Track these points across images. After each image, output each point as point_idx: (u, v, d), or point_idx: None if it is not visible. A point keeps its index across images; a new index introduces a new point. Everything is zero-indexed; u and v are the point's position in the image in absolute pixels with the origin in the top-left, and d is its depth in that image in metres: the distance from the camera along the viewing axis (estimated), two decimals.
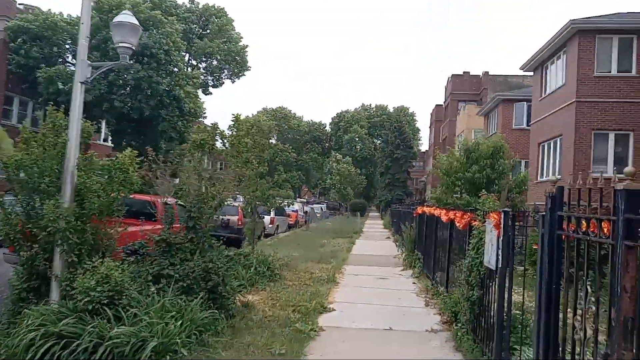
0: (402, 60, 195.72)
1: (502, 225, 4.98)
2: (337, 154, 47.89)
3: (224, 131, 8.16)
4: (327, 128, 77.40)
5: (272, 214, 24.57)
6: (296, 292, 9.36)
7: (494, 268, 5.18)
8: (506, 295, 4.94)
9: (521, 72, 25.46)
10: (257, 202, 11.68)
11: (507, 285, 4.95)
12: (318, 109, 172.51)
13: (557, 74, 19.59)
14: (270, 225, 24.25)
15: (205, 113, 29.80)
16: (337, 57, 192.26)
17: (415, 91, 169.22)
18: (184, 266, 6.67)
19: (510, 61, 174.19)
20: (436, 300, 8.98)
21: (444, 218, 8.75)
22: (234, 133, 8.26)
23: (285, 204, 11.97)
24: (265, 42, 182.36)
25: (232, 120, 7.98)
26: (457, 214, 7.63)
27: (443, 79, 62.76)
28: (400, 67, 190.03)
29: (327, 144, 76.31)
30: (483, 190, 13.93)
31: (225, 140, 8.35)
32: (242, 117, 10.62)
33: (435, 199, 13.70)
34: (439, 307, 8.22)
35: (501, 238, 4.99)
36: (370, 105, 77.34)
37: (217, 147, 7.69)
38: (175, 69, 26.03)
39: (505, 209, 5.38)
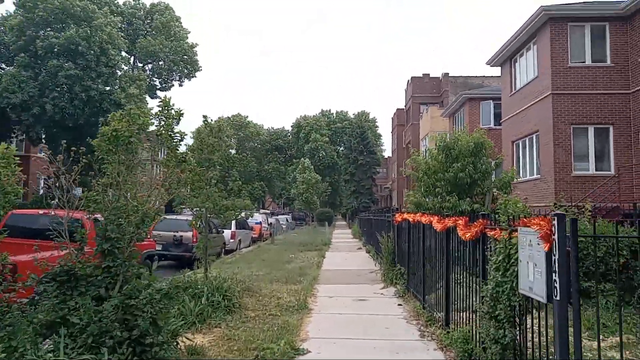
0: (360, 61, 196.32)
1: (556, 237, 3.39)
2: (304, 160, 46.12)
3: (149, 119, 6.29)
4: (289, 135, 75.60)
5: (233, 227, 22.65)
6: (260, 327, 7.56)
7: (542, 299, 3.58)
8: (572, 341, 3.34)
9: (481, 73, 24.81)
10: (209, 215, 9.82)
11: (570, 324, 3.35)
12: (277, 114, 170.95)
13: (527, 67, 18.64)
14: (231, 240, 22.28)
15: (152, 119, 27.52)
16: (296, 55, 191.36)
17: (375, 96, 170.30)
18: (93, 309, 4.79)
19: (469, 61, 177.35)
20: (433, 330, 7.36)
21: (437, 226, 7.16)
22: (164, 122, 6.38)
23: (244, 216, 10.07)
24: (219, 38, 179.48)
25: (159, 106, 6.15)
26: (458, 221, 6.06)
27: (402, 82, 62.22)
28: (359, 69, 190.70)
29: (289, 153, 74.48)
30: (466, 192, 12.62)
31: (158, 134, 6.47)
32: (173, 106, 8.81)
33: (414, 203, 12.19)
34: (441, 340, 6.59)
35: (556, 256, 3.39)
36: (329, 111, 76.19)
37: (139, 141, 5.81)
38: (116, 70, 23.77)
39: (489, 212, 3.80)
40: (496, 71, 23.12)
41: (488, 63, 21.60)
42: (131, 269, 5.36)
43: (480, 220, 5.24)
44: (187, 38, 33.31)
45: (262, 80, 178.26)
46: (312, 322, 8.02)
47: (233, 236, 22.50)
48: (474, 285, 5.66)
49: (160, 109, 6.23)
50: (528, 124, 18.08)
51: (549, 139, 16.23)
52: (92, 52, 22.80)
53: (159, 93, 30.74)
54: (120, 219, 5.34)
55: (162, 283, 6.33)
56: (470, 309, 5.90)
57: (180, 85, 31.08)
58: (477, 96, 26.73)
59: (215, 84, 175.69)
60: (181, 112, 6.52)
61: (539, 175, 16.99)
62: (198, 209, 9.69)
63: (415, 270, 9.79)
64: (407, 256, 10.59)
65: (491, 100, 25.81)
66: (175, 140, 6.47)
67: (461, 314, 6.43)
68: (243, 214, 10.01)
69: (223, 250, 20.23)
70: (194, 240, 16.57)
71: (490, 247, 4.92)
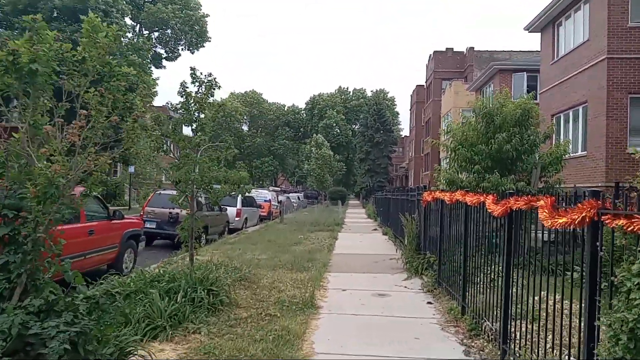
0: (381, 36, 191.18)
1: None
2: (317, 136, 44.06)
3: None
4: (302, 113, 73.28)
5: (239, 204, 20.91)
6: (251, 333, 5.75)
7: None
8: None
9: (508, 47, 22.26)
10: (197, 191, 7.95)
11: None
12: (292, 92, 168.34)
13: (576, 29, 16.27)
14: (236, 219, 20.55)
15: (155, 89, 25.65)
16: (312, 34, 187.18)
17: (394, 75, 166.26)
18: None
19: (495, 36, 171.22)
20: (481, 344, 5.48)
21: (493, 208, 5.22)
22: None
23: (239, 192, 8.16)
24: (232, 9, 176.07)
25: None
26: (537, 202, 4.11)
27: (423, 58, 59.45)
28: (379, 44, 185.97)
29: (301, 130, 72.31)
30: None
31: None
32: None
33: (447, 180, 10.17)
34: None
35: None
36: (347, 88, 73.49)
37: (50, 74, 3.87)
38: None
39: None
40: (526, 45, 20.79)
41: (526, 28, 19.21)
42: (38, 272, 3.48)
43: (590, 201, 3.27)
44: (201, 7, 31.24)
45: (275, 62, 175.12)
46: (319, 328, 6.17)
47: (239, 214, 20.77)
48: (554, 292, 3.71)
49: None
50: (574, 95, 15.81)
51: (601, 111, 14.01)
52: (98, 12, 20.92)
53: (165, 63, 28.90)
54: (21, 192, 3.47)
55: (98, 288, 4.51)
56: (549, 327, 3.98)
57: (192, 52, 29.09)
58: (509, 67, 24.33)
59: (227, 62, 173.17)
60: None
61: (584, 152, 14.81)
62: (182, 182, 7.82)
63: (450, 261, 7.87)
64: (438, 243, 8.66)
65: (525, 73, 23.42)
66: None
67: (527, 325, 4.55)
68: (239, 190, 8.11)
69: (226, 229, 18.52)
70: None
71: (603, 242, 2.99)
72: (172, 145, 8.39)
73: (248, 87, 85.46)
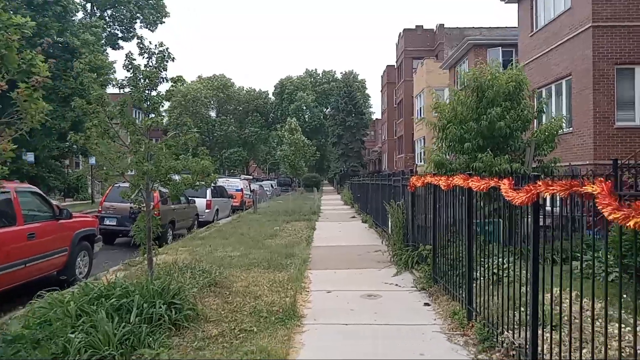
0: (349, 15, 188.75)
1: None
2: (291, 120, 42.60)
3: None
4: (271, 97, 71.46)
5: (209, 195, 19.69)
6: (223, 357, 4.71)
7: None
8: None
9: (478, 24, 21.43)
10: (153, 183, 6.77)
11: None
12: (259, 77, 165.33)
13: None
14: (206, 211, 19.38)
15: (113, 71, 23.82)
16: (277, 15, 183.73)
17: (364, 56, 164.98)
18: None
19: (467, 10, 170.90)
20: (499, 358, 4.59)
21: (513, 197, 4.29)
22: None
23: (201, 184, 6.98)
24: None
25: None
26: (585, 188, 3.18)
27: (393, 38, 58.54)
28: (347, 24, 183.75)
29: (271, 115, 70.63)
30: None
31: None
32: None
33: (435, 162, 9.23)
34: None
35: None
36: (315, 70, 72.01)
37: None
38: (69, 14, 20.14)
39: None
40: (497, 21, 19.93)
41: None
42: None
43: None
44: None
45: (240, 41, 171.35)
46: (305, 346, 5.17)
47: (209, 206, 19.58)
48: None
49: None
50: (556, 68, 15.11)
51: (587, 84, 13.31)
52: None
53: (121, 43, 26.95)
54: None
55: None
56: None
57: (151, 31, 27.16)
58: (483, 42, 23.55)
59: (189, 42, 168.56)
60: None
61: (570, 129, 14.14)
62: (135, 173, 6.64)
63: (448, 254, 6.97)
64: (432, 233, 7.74)
65: (500, 48, 22.69)
66: None
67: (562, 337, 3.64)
68: (203, 182, 6.96)
69: (196, 222, 17.31)
70: (156, 213, 13.56)
71: None
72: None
73: (215, 72, 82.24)
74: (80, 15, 23.68)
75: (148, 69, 6.66)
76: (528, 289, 4.26)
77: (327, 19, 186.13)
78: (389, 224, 11.83)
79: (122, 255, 11.23)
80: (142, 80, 6.65)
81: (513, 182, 4.49)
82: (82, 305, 5.35)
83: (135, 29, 26.41)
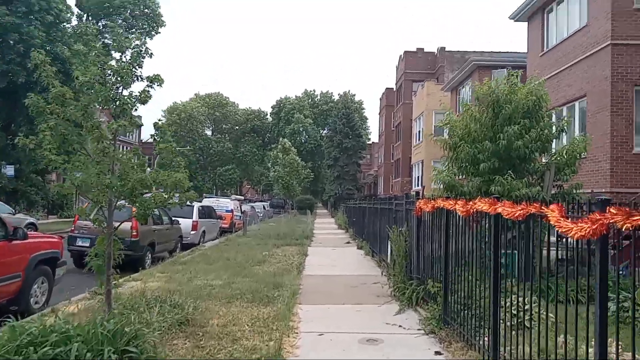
0: (347, 41, 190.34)
1: None
2: (284, 140, 41.65)
3: None
4: (268, 117, 70.77)
5: (195, 216, 18.50)
6: None
7: None
8: None
9: (479, 48, 20.73)
10: (118, 200, 5.63)
11: None
12: (257, 97, 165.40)
13: (570, 15, 14.74)
14: (192, 233, 18.15)
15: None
16: (277, 35, 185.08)
17: (362, 79, 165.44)
18: None
19: (467, 36, 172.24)
20: None
21: (568, 229, 3.21)
22: None
23: (176, 201, 5.83)
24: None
25: None
26: None
27: (392, 61, 58.25)
28: (345, 51, 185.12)
29: (267, 136, 69.80)
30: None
31: None
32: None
33: (446, 184, 8.14)
34: None
35: None
36: (313, 91, 71.47)
37: None
38: (61, 23, 19.28)
39: None
40: (498, 44, 19.22)
41: (512, 17, 17.68)
42: None
43: None
44: None
45: (238, 60, 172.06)
46: None
47: (195, 227, 18.36)
48: None
49: None
50: (569, 89, 14.22)
51: (603, 106, 12.40)
52: None
53: (115, 55, 25.89)
54: None
55: None
56: None
57: (150, 38, 26.31)
58: (488, 64, 22.80)
59: (186, 60, 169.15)
60: None
61: (584, 154, 13.14)
62: (94, 188, 5.51)
63: (464, 292, 5.84)
64: (443, 266, 6.61)
65: (505, 70, 21.86)
66: None
67: None
68: (175, 199, 5.84)
69: (179, 245, 16.08)
70: (134, 234, 12.40)
71: None
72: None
73: (211, 90, 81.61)
74: (74, 22, 22.79)
75: (119, 65, 5.62)
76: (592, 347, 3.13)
77: (326, 40, 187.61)
78: (389, 252, 10.70)
79: (92, 281, 10.02)
80: (111, 77, 5.60)
81: (563, 209, 3.42)
82: (6, 355, 4.18)
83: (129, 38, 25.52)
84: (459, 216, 5.86)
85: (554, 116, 9.49)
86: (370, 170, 69.98)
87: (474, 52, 39.10)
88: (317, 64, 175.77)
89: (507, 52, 32.22)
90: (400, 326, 6.76)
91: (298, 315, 7.27)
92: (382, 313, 7.53)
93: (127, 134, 58.28)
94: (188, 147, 56.91)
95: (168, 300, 6.94)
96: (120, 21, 24.55)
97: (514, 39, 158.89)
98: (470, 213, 5.32)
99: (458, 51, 40.40)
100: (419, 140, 36.23)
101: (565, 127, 8.53)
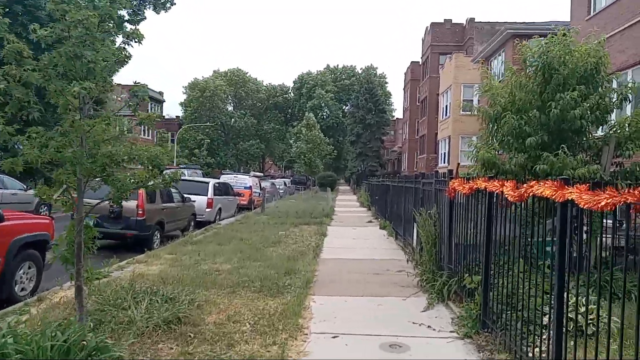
0: (374, 8, 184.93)
1: None
2: (309, 115, 40.49)
3: None
4: (290, 93, 69.45)
5: (210, 193, 17.70)
6: None
7: None
8: None
9: (511, 19, 18.90)
10: (85, 179, 4.67)
11: None
12: (279, 71, 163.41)
13: None
14: (207, 210, 17.36)
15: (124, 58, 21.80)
16: (299, 8, 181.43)
17: (387, 52, 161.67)
18: None
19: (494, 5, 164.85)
20: None
21: None
22: None
23: (159, 181, 4.83)
24: None
25: None
26: None
27: (419, 33, 55.94)
28: (371, 18, 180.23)
29: (289, 111, 68.61)
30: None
31: None
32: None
33: (484, 161, 6.95)
34: None
35: None
36: (337, 66, 69.60)
37: None
38: None
39: None
40: (530, 15, 17.38)
41: None
42: None
43: None
44: None
45: (260, 35, 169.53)
46: None
47: (210, 204, 17.56)
48: None
49: None
50: (620, 55, 12.67)
51: None
52: None
53: (128, 26, 25.06)
54: None
55: None
56: None
57: (157, 12, 25.02)
58: (524, 32, 21.01)
59: (207, 33, 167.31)
60: None
61: None
62: (54, 166, 4.57)
63: (511, 291, 4.76)
64: (484, 257, 5.51)
65: (544, 39, 20.12)
66: None
67: None
68: (161, 179, 4.84)
69: (192, 223, 15.30)
70: (140, 213, 11.60)
71: None
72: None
73: (232, 65, 79.87)
74: None
75: (83, 13, 4.58)
76: None
77: (349, 13, 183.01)
78: (414, 235, 9.64)
79: (95, 264, 9.27)
80: (76, 28, 4.57)
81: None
82: None
83: (143, 11, 24.53)
84: (506, 199, 4.73)
85: (614, 82, 8.11)
86: (394, 147, 68.32)
87: (505, 23, 36.92)
88: (339, 37, 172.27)
89: (543, 22, 30.16)
90: (429, 327, 5.73)
91: (310, 309, 6.31)
92: (407, 308, 6.51)
93: (149, 110, 57.88)
94: (208, 123, 56.27)
95: (161, 291, 6.06)
96: None
97: (547, 10, 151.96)
98: (524, 198, 4.19)
99: (488, 22, 38.20)
100: (446, 115, 34.60)
101: (629, 95, 7.20)
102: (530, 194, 4.07)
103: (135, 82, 4.92)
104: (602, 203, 2.95)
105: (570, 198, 3.39)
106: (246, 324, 5.58)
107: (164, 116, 65.48)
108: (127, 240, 11.71)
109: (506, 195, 4.54)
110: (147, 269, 8.96)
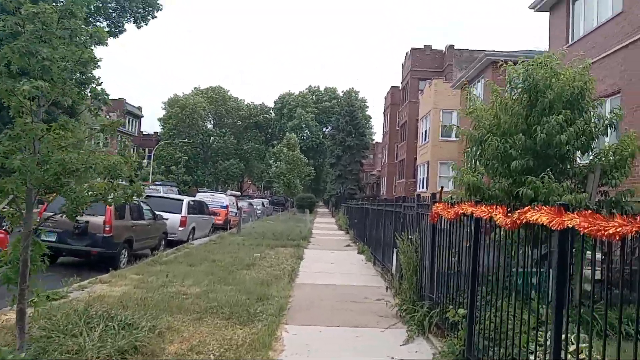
0: (355, 35, 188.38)
1: None
2: (290, 135, 40.19)
3: None
4: (271, 112, 69.31)
5: (184, 211, 17.12)
6: None
7: None
8: None
9: (489, 47, 19.08)
10: (38, 187, 4.19)
11: None
12: (258, 91, 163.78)
13: (599, 3, 13.27)
14: (180, 229, 16.72)
15: (97, 65, 21.15)
16: (282, 30, 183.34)
17: (368, 77, 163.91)
18: None
19: (473, 33, 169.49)
20: None
21: None
22: None
23: (119, 195, 4.38)
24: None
25: None
26: None
27: (398, 59, 56.77)
28: (349, 50, 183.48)
29: (269, 131, 68.31)
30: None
31: None
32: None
33: (469, 185, 6.65)
34: None
35: None
36: (317, 87, 69.91)
37: None
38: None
39: None
40: (508, 44, 17.60)
41: (532, 7, 16.20)
42: None
43: None
44: None
45: (242, 55, 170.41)
46: None
47: (183, 223, 16.93)
48: None
49: None
50: (600, 84, 12.71)
51: None
52: None
53: (109, 40, 24.48)
54: None
55: None
56: None
57: (138, 27, 24.59)
58: (504, 59, 21.19)
59: (189, 50, 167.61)
60: None
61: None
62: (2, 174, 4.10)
63: (500, 326, 4.41)
64: (469, 288, 5.16)
65: (528, 60, 20.36)
66: None
67: None
68: (120, 193, 4.39)
69: (163, 242, 14.65)
70: (107, 229, 10.99)
71: None
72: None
73: (211, 84, 79.48)
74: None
75: (41, 6, 4.16)
76: None
77: (331, 36, 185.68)
78: (394, 261, 9.28)
79: (53, 283, 8.63)
80: (32, 22, 4.15)
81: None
82: None
83: (123, 23, 24.07)
84: (497, 226, 4.42)
85: (600, 108, 8.00)
86: (373, 171, 68.48)
87: (484, 51, 37.64)
88: (321, 60, 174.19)
89: (522, 50, 30.76)
90: None
91: (282, 341, 5.84)
92: (386, 341, 6.10)
93: (127, 125, 56.96)
94: (186, 140, 55.54)
95: (119, 316, 5.53)
96: (113, 3, 23.02)
97: (523, 38, 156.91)
98: (518, 225, 3.87)
99: (467, 49, 38.87)
100: (425, 140, 34.76)
101: (614, 121, 7.06)
102: (524, 220, 3.76)
103: (96, 83, 4.50)
104: (610, 231, 2.63)
105: (570, 226, 3.08)
106: (210, 355, 5.09)
107: (142, 132, 64.59)
108: (91, 258, 11.07)
109: (497, 222, 4.23)
110: (110, 289, 8.39)
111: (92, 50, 4.52)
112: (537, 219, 3.49)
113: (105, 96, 4.30)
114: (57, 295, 7.60)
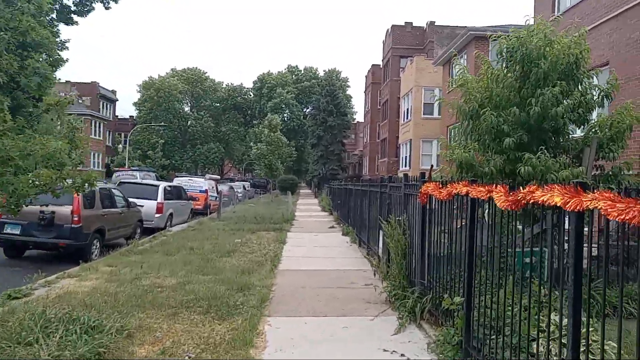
0: (335, 11, 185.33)
1: None
2: (272, 116, 39.38)
3: None
4: (250, 93, 68.00)
5: (160, 197, 16.47)
6: None
7: None
8: None
9: (471, 23, 18.63)
10: None
11: None
12: (237, 73, 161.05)
13: None
14: (156, 216, 16.09)
15: (64, 46, 20.02)
16: (260, 8, 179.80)
17: (346, 55, 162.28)
18: None
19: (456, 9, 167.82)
20: None
21: None
22: None
23: (67, 184, 3.81)
24: None
25: None
26: None
27: (378, 38, 55.90)
28: (333, 20, 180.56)
29: (248, 112, 67.15)
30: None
31: None
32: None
33: (461, 163, 6.21)
34: None
35: None
36: (297, 67, 68.70)
37: None
38: None
39: None
40: (492, 19, 17.12)
41: None
42: None
43: None
44: None
45: (220, 37, 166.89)
46: None
47: (160, 209, 16.28)
48: None
49: None
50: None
51: (632, 73, 10.62)
52: None
53: (75, 18, 23.21)
54: None
55: None
56: None
57: (106, 8, 23.47)
58: (487, 34, 20.74)
59: (165, 32, 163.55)
60: None
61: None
62: None
63: (502, 313, 4.01)
64: (466, 273, 4.75)
65: (521, 27, 19.94)
66: None
67: None
68: (68, 182, 3.82)
69: (138, 230, 14.01)
70: (76, 219, 10.33)
71: None
72: None
73: (189, 65, 77.38)
74: None
75: None
76: None
77: (310, 14, 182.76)
78: (380, 243, 8.88)
79: (17, 279, 8.05)
80: None
81: None
82: None
83: (91, 1, 22.85)
84: (495, 206, 3.99)
85: (595, 78, 7.58)
86: (355, 151, 68.09)
87: (466, 27, 37.15)
88: (301, 38, 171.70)
89: (504, 24, 30.34)
90: (402, 355, 4.92)
91: (264, 335, 5.39)
92: (377, 330, 5.69)
93: (101, 109, 55.19)
94: (163, 124, 54.22)
95: (82, 318, 4.99)
96: None
97: (507, 14, 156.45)
98: (521, 205, 3.44)
99: (448, 26, 38.34)
100: (407, 118, 34.35)
101: (611, 94, 6.67)
102: (531, 200, 3.32)
103: (47, 60, 3.89)
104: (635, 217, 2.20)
105: (591, 207, 2.64)
106: (185, 357, 4.61)
107: (117, 116, 62.88)
108: (60, 250, 10.45)
109: (497, 202, 3.79)
110: (78, 284, 7.82)
111: (32, 19, 3.88)
112: (547, 200, 3.05)
113: (48, 72, 3.70)
114: (20, 294, 7.04)
